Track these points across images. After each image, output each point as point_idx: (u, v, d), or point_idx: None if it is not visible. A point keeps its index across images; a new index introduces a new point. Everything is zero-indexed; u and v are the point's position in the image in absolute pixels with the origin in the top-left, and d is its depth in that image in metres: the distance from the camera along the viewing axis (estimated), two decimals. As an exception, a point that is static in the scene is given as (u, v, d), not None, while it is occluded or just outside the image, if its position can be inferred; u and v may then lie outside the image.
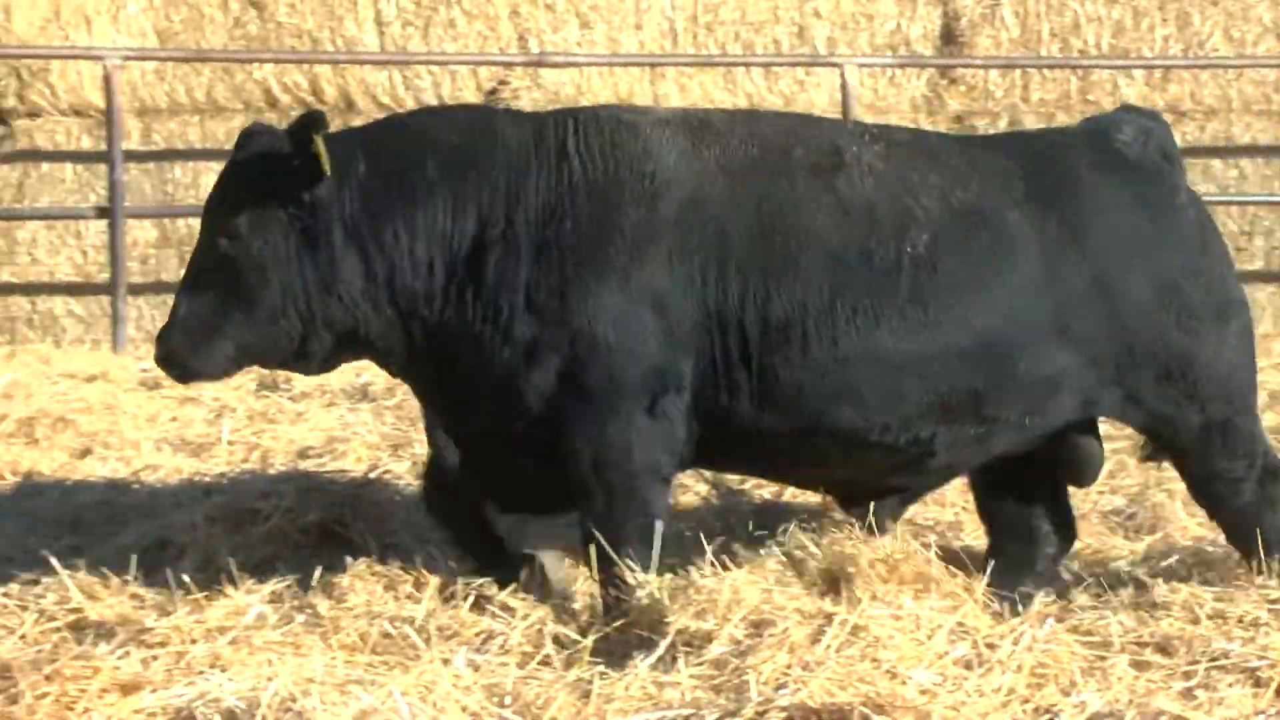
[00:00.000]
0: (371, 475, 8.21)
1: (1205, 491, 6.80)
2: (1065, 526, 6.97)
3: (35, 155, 13.91)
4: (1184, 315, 6.59)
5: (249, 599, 6.21)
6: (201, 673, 5.55)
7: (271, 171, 6.30)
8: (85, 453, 9.06)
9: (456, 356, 6.29)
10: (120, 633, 5.92)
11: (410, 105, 14.39)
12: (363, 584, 6.48)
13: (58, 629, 6.18)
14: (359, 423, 9.70)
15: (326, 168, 6.23)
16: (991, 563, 6.56)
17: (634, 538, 6.22)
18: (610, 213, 6.23)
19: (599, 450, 6.21)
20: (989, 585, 6.35)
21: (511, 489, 6.51)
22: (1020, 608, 6.42)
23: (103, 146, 13.40)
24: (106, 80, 13.01)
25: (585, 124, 6.36)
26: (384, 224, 6.30)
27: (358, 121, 14.08)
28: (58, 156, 13.93)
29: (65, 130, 13.97)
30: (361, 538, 6.98)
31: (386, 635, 6.06)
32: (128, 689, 5.46)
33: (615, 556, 6.15)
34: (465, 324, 6.26)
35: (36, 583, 6.59)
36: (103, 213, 13.28)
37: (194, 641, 5.81)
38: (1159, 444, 6.81)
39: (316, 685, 5.42)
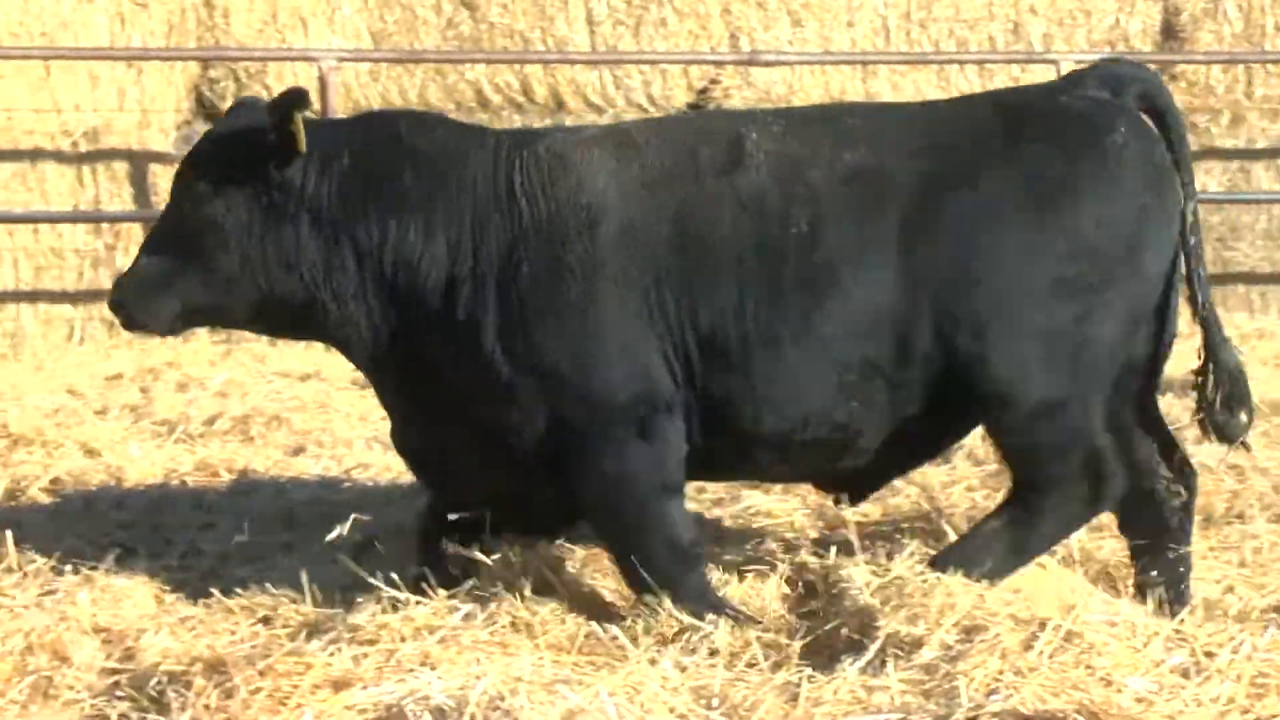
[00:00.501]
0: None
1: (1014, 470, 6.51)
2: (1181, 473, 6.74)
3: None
4: (1061, 282, 6.31)
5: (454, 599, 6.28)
6: (411, 670, 5.61)
7: (248, 143, 6.45)
8: (299, 450, 9.20)
9: (434, 381, 6.39)
10: (332, 630, 6.01)
11: (621, 105, 14.46)
12: (568, 584, 6.52)
13: (270, 626, 6.30)
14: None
15: (302, 145, 6.36)
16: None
17: (664, 555, 6.27)
18: (557, 251, 6.29)
19: (603, 482, 6.28)
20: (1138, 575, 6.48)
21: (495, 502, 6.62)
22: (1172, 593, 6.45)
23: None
24: (321, 82, 13.20)
25: (528, 163, 6.42)
26: (358, 221, 6.42)
27: (569, 121, 14.18)
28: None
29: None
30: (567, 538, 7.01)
31: (593, 636, 6.09)
32: (339, 685, 5.54)
33: (649, 581, 6.21)
34: (440, 357, 6.36)
35: (251, 580, 6.72)
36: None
37: (403, 639, 5.88)
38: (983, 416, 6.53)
39: (524, 684, 5.46)
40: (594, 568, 6.70)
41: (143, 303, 6.52)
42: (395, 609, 6.09)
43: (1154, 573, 6.55)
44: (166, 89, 14.12)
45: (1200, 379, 6.58)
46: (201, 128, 14.01)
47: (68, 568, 6.93)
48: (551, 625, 6.14)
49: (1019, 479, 6.43)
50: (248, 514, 7.96)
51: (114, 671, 5.86)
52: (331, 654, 5.73)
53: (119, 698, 5.72)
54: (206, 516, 8.05)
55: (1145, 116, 6.54)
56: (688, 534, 6.35)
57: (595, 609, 6.35)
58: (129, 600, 6.65)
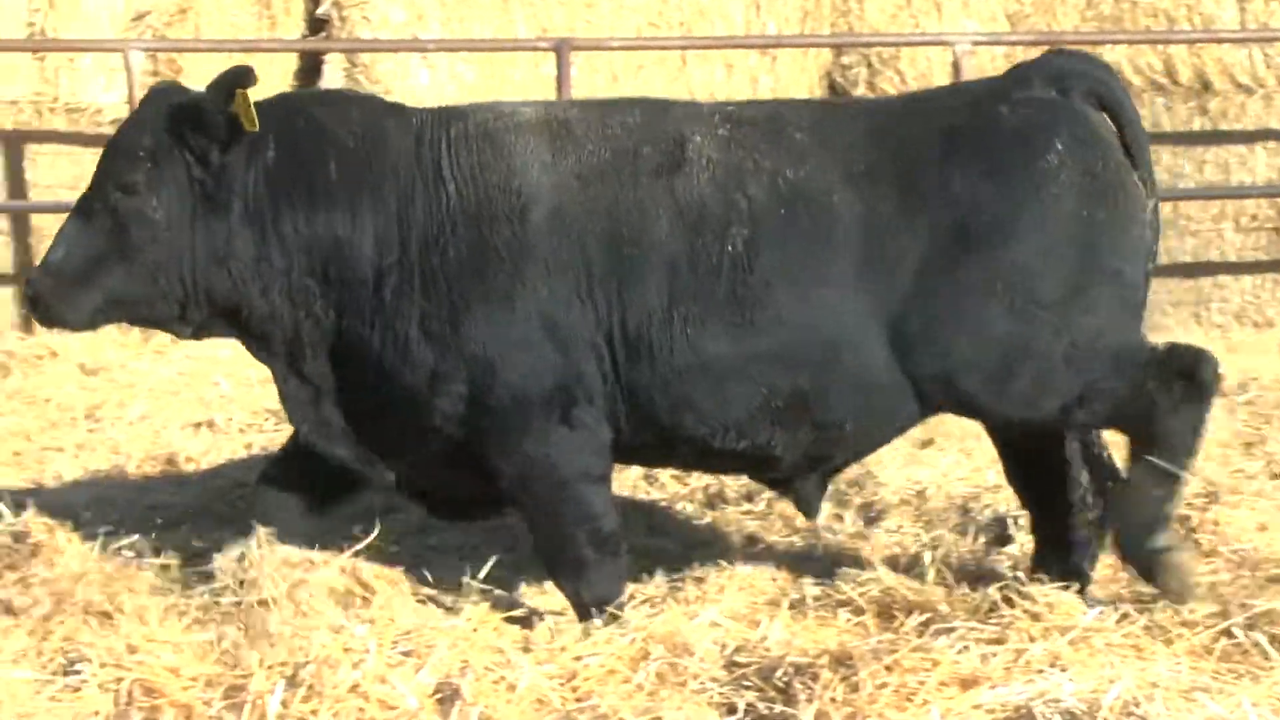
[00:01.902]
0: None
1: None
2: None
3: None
4: (1021, 301, 6.23)
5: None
6: (1040, 671, 5.55)
7: (182, 129, 6.35)
8: (927, 443, 9.21)
9: (360, 371, 6.41)
10: (959, 626, 5.99)
11: (1271, 85, 13.95)
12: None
13: (889, 620, 6.32)
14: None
15: (253, 123, 6.27)
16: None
17: (580, 540, 6.37)
18: (486, 236, 6.29)
19: (521, 467, 6.36)
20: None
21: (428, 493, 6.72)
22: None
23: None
24: (955, 67, 13.17)
25: (456, 142, 6.39)
26: (284, 214, 6.37)
27: (1214, 104, 13.78)
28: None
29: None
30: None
31: (1235, 643, 5.90)
32: (966, 684, 5.52)
33: (557, 571, 6.42)
34: (367, 346, 6.37)
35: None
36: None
37: (1032, 639, 5.82)
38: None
39: (1160, 690, 5.34)
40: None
41: (62, 296, 6.41)
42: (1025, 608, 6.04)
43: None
44: (799, 76, 14.31)
45: None
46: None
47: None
48: (1188, 630, 5.97)
49: (1123, 430, 6.43)
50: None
51: (736, 665, 5.97)
52: (959, 651, 5.71)
53: (745, 687, 5.83)
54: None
55: (1098, 112, 6.42)
56: (608, 523, 6.41)
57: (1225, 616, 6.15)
58: (745, 592, 6.81)
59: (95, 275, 6.39)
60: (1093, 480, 6.70)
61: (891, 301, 6.26)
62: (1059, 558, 6.62)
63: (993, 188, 6.32)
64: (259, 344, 6.57)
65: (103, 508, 7.97)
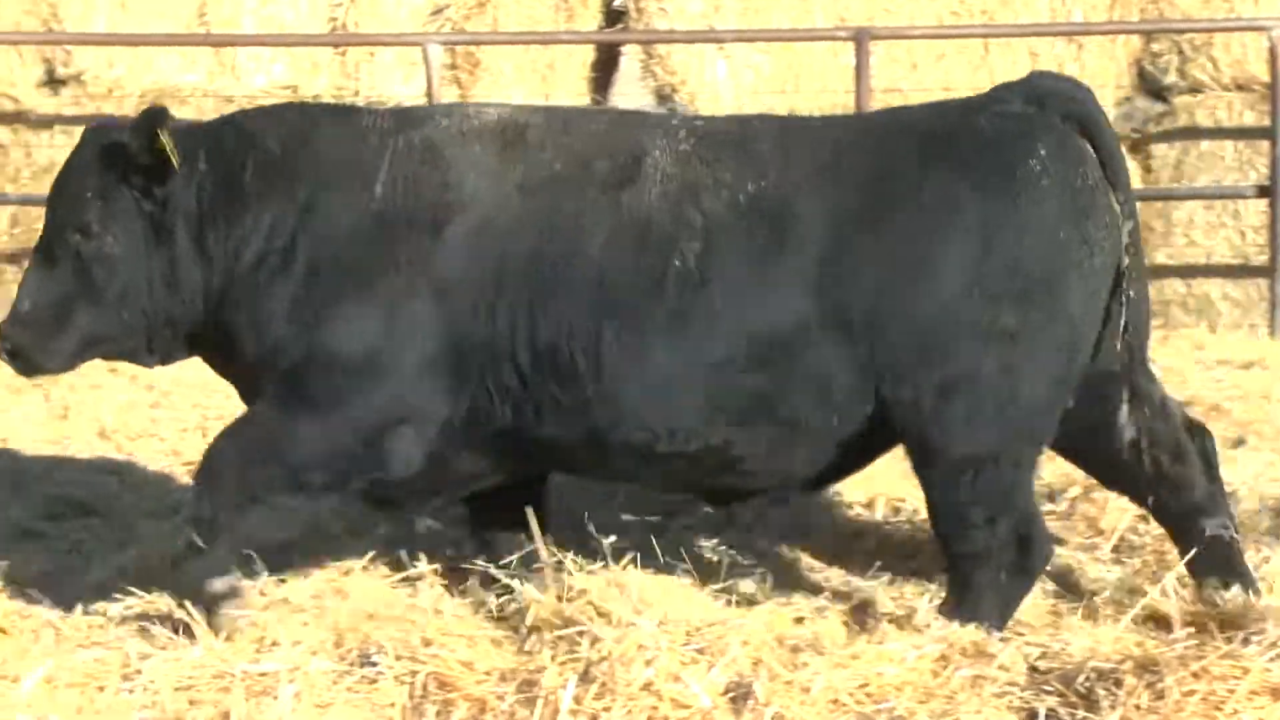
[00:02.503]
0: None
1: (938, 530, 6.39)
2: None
3: (1195, 133, 13.92)
4: (952, 322, 6.16)
5: None
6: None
7: (122, 166, 6.48)
8: (1239, 443, 9.01)
9: (232, 356, 6.55)
10: (1271, 633, 5.84)
11: None
12: None
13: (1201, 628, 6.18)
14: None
15: (175, 162, 6.44)
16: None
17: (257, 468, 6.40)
18: (395, 244, 6.34)
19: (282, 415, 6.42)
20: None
21: None
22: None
23: (1266, 122, 13.25)
24: (1271, 53, 12.86)
25: (400, 150, 6.45)
26: (209, 225, 6.50)
27: None
28: (1218, 134, 13.88)
29: (1226, 106, 13.92)
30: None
31: None
32: (1278, 693, 5.39)
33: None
34: (235, 326, 6.47)
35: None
36: (1263, 192, 13.16)
37: (1351, 649, 5.67)
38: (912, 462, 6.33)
39: None
40: None
41: (37, 345, 6.57)
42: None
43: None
44: (1107, 64, 14.06)
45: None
46: (1142, 104, 13.92)
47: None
48: None
49: (946, 546, 6.34)
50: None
51: (1037, 671, 5.91)
52: (1271, 659, 5.58)
53: (1046, 692, 5.76)
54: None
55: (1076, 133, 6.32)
56: (313, 476, 6.41)
57: None
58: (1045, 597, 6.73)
59: (66, 319, 6.57)
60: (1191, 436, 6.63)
61: (851, 305, 6.21)
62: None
63: (969, 192, 6.25)
64: (224, 362, 6.74)
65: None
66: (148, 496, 8.45)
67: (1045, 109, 6.39)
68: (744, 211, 6.28)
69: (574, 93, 13.78)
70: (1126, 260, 6.35)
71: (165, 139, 6.46)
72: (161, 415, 9.91)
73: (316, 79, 13.65)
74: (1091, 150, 6.35)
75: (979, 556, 6.26)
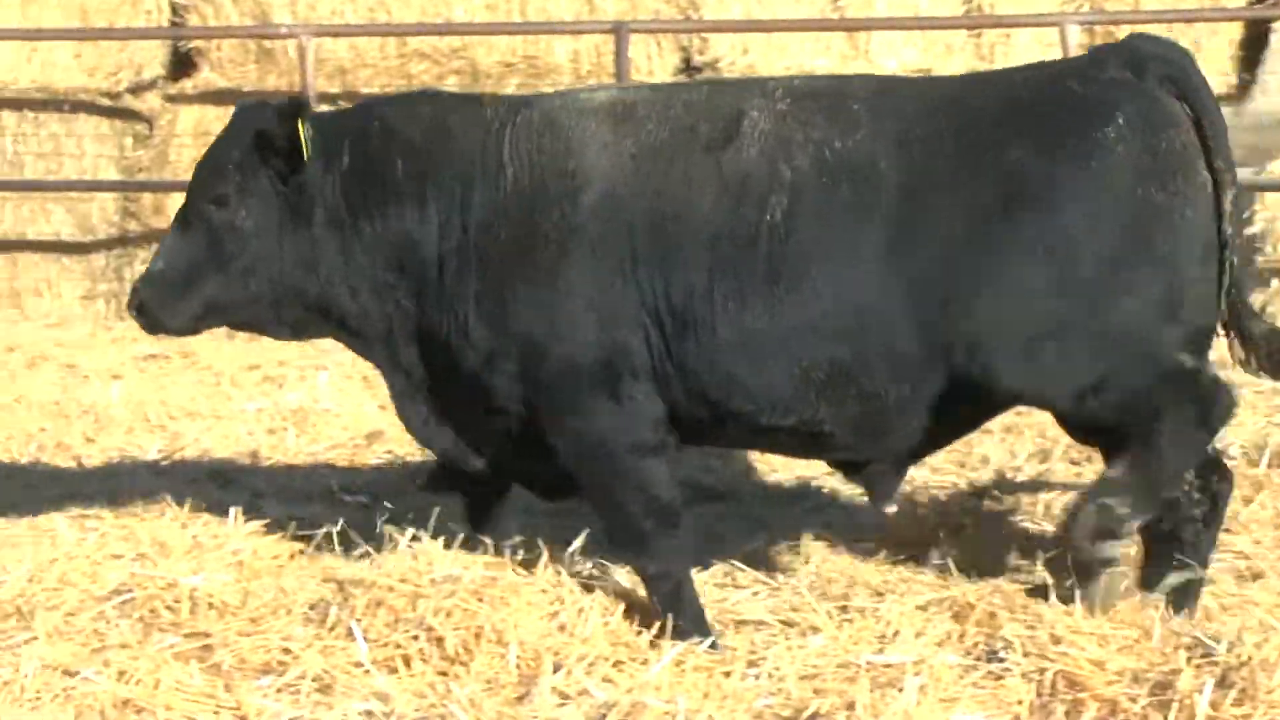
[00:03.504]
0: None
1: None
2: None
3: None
4: (1062, 278, 6.32)
5: None
6: None
7: (260, 147, 6.84)
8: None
9: (434, 356, 6.81)
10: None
11: None
12: None
13: None
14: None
15: (307, 154, 6.78)
16: None
17: (637, 513, 6.58)
18: (535, 218, 6.62)
19: (574, 443, 6.65)
20: None
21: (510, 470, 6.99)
22: None
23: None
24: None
25: (519, 130, 6.72)
26: (361, 216, 6.82)
27: None
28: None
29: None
30: None
31: None
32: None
33: (619, 545, 6.64)
34: (437, 330, 6.77)
35: None
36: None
37: None
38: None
39: None
40: None
41: (164, 305, 6.94)
42: None
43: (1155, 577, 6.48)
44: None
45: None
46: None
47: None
48: None
49: (1121, 436, 6.41)
50: None
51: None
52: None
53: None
54: None
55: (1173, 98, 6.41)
56: (665, 494, 6.60)
57: None
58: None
59: (193, 283, 6.95)
60: (1197, 474, 6.61)
61: (932, 268, 6.37)
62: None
63: (1046, 156, 6.39)
64: (358, 342, 7.04)
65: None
66: (769, 483, 8.62)
67: (1141, 73, 6.48)
68: (831, 169, 6.49)
69: (1217, 71, 13.41)
70: (1229, 229, 6.42)
71: (303, 130, 6.84)
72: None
73: (950, 61, 13.66)
74: (1187, 114, 6.45)
75: (1155, 413, 6.35)
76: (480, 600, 6.29)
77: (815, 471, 8.29)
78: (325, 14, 14.14)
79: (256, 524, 7.31)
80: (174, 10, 14.57)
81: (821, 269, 6.42)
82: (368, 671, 6.16)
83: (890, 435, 6.59)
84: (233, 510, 7.39)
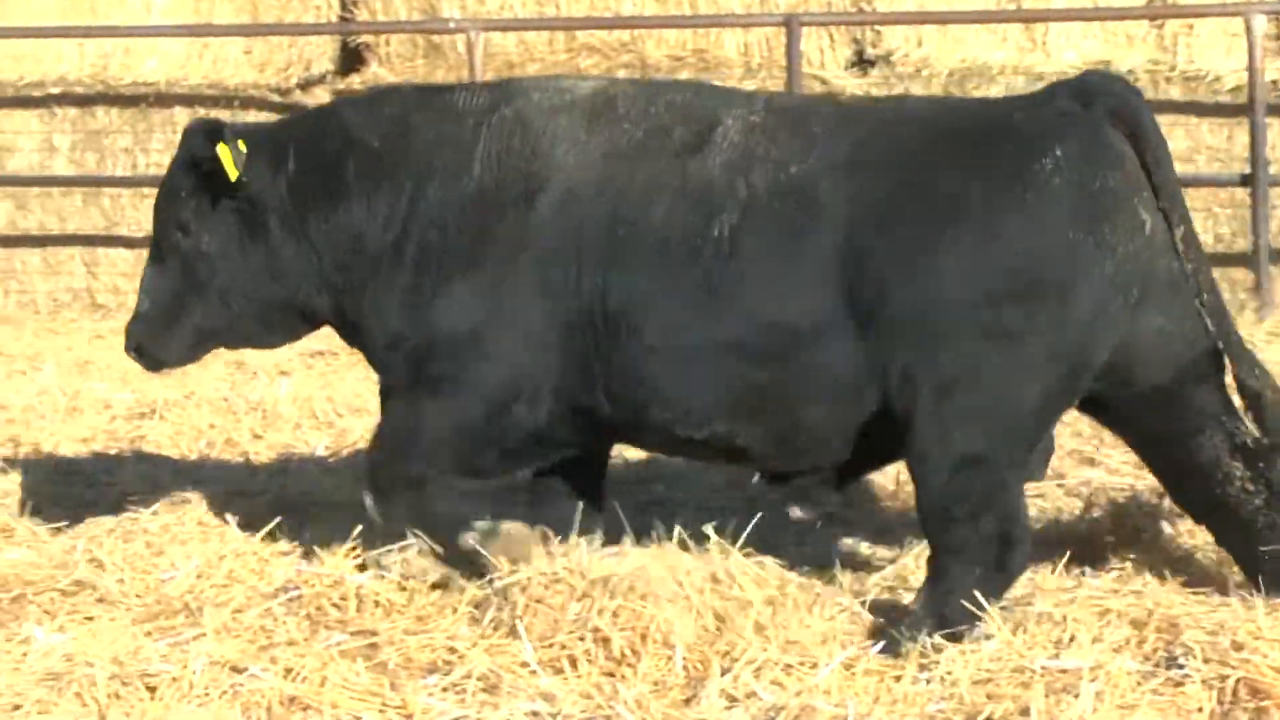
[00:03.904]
0: None
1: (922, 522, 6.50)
2: None
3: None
4: (982, 327, 6.25)
5: None
6: None
7: (197, 170, 6.95)
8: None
9: (365, 341, 6.97)
10: None
11: None
12: None
13: None
14: None
15: (232, 173, 6.88)
16: None
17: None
18: (489, 222, 6.68)
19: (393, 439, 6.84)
20: None
21: None
22: None
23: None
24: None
25: (492, 130, 6.76)
26: (312, 218, 6.93)
27: None
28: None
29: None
30: None
31: None
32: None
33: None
34: (362, 317, 6.91)
35: None
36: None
37: None
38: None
39: None
40: None
41: (158, 341, 7.12)
42: None
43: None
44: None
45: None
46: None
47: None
48: None
49: (930, 538, 6.44)
50: None
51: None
52: None
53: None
54: None
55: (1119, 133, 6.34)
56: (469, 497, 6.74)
57: None
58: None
59: (179, 315, 7.12)
60: (1247, 467, 6.53)
61: (867, 294, 6.32)
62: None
63: (975, 188, 6.32)
64: (345, 336, 7.19)
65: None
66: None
67: (1090, 107, 6.42)
68: (781, 189, 6.45)
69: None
70: (1190, 266, 6.34)
71: (226, 149, 6.92)
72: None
73: (1131, 53, 13.49)
74: (1131, 152, 6.37)
75: (958, 551, 6.33)
76: (644, 600, 6.27)
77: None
78: (494, 8, 14.23)
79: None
80: (343, 6, 14.72)
81: (756, 290, 6.43)
82: (534, 672, 6.17)
83: (811, 454, 6.62)
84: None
